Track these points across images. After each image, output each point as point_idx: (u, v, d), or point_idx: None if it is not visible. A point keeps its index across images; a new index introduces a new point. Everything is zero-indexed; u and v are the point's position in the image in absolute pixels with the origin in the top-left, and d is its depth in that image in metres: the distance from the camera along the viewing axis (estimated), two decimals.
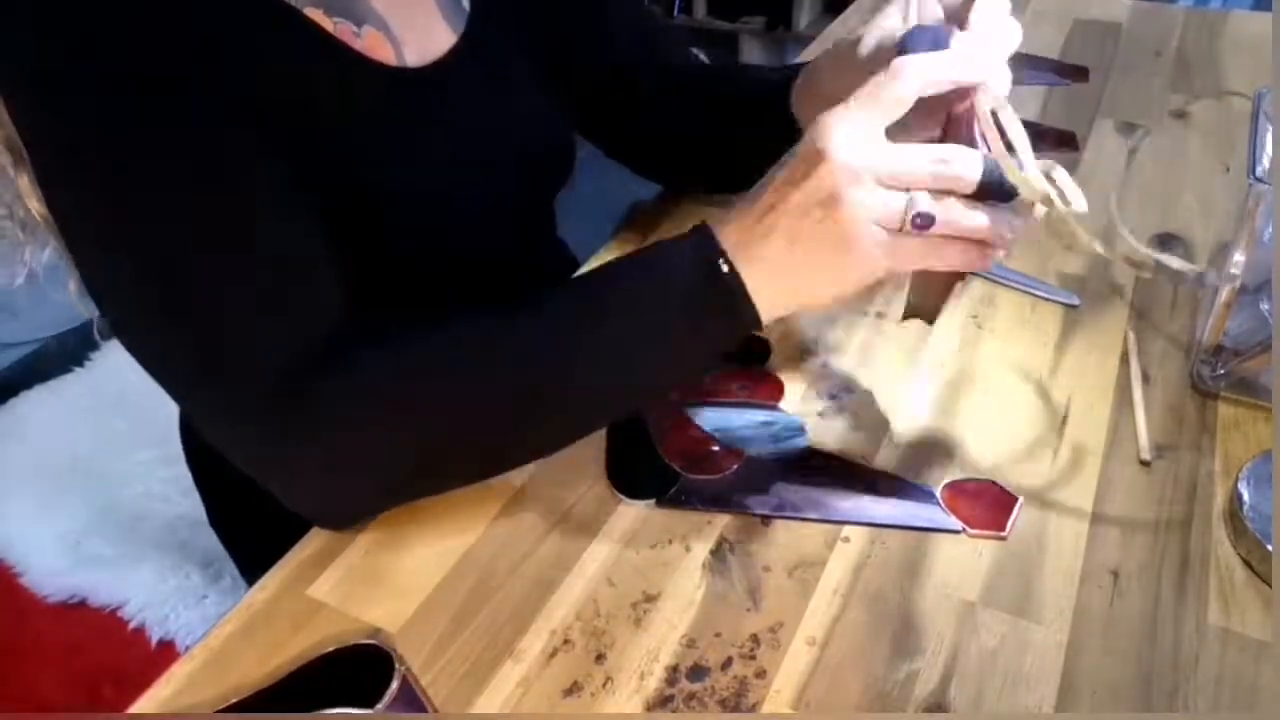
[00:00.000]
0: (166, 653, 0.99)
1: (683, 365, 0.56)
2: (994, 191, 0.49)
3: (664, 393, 0.59)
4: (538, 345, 0.54)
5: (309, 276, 0.55)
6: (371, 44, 0.61)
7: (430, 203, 0.66)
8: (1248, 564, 0.55)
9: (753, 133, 0.73)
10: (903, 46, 0.51)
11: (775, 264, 0.50)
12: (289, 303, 0.54)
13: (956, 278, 0.56)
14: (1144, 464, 0.62)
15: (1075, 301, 0.75)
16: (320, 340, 0.54)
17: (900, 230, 0.48)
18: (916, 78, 0.48)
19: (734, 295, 0.51)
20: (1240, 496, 0.57)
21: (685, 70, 0.82)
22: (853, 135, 0.48)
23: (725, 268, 0.51)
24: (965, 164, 0.48)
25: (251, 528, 0.70)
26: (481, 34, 0.68)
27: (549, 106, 0.76)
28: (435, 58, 0.65)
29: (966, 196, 0.49)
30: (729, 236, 0.51)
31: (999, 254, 0.50)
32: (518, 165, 0.72)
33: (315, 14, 0.59)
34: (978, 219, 0.49)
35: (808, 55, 1.22)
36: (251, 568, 0.83)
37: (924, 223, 0.48)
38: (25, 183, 0.55)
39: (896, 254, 0.49)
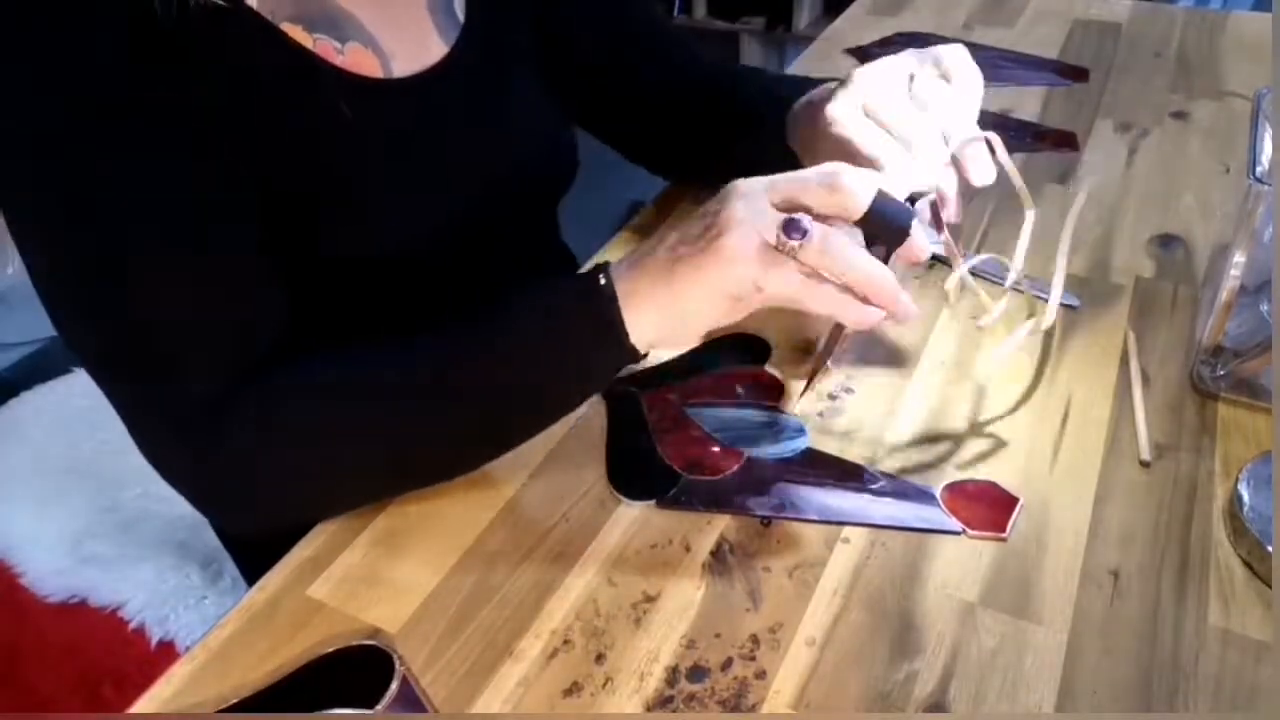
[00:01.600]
0: (166, 653, 0.99)
1: (559, 392, 0.56)
2: (884, 228, 0.49)
3: (549, 419, 0.59)
4: (431, 370, 0.55)
5: (247, 293, 0.56)
6: (355, 60, 0.61)
7: (418, 209, 0.65)
8: (1248, 564, 0.55)
9: (748, 146, 0.74)
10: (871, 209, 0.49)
11: (653, 283, 0.51)
12: (223, 317, 0.55)
13: (836, 332, 0.57)
14: (1144, 464, 0.62)
15: (1075, 302, 0.75)
16: (248, 358, 0.56)
17: (776, 244, 0.48)
18: (852, 198, 0.48)
19: (606, 314, 0.51)
20: (1240, 497, 0.57)
21: (688, 72, 0.82)
22: (755, 183, 0.50)
23: (602, 280, 0.52)
24: (854, 184, 0.48)
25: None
26: (475, 43, 0.68)
27: (548, 112, 0.76)
28: (426, 68, 0.65)
29: (864, 234, 0.49)
30: (619, 266, 0.53)
31: (875, 317, 0.50)
32: (514, 171, 0.72)
33: (294, 30, 0.58)
34: (855, 254, 0.48)
35: (808, 56, 1.22)
36: (253, 569, 0.83)
37: (798, 236, 0.48)
38: None
39: (770, 269, 0.48)
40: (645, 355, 0.53)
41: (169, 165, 0.53)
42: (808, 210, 0.49)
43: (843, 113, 0.59)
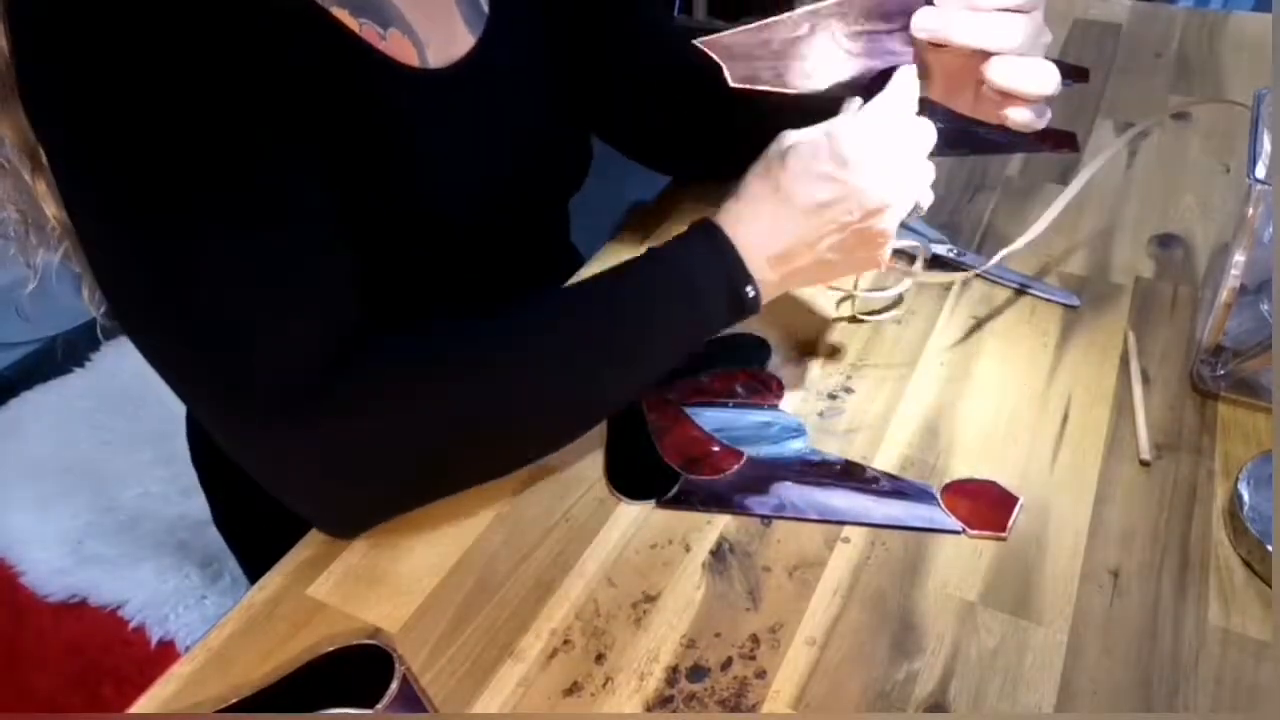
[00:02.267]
0: (167, 653, 0.99)
1: (678, 355, 0.61)
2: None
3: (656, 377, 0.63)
4: (539, 344, 0.56)
5: (318, 283, 0.55)
6: (396, 46, 0.62)
7: (454, 198, 0.66)
8: (1248, 564, 0.55)
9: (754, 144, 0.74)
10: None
11: (804, 281, 0.62)
12: (297, 310, 0.54)
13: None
14: (1143, 464, 0.62)
15: (1075, 302, 0.75)
16: (327, 347, 0.54)
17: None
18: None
19: (746, 310, 0.60)
20: (1240, 497, 0.57)
21: (689, 63, 0.82)
22: (895, 195, 0.57)
23: (750, 292, 0.59)
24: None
25: (257, 528, 0.70)
26: (499, 36, 0.69)
27: (567, 105, 0.76)
28: (456, 59, 0.66)
29: None
30: (762, 267, 0.59)
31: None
32: (538, 160, 0.73)
33: (341, 14, 0.59)
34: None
35: None
36: (256, 568, 0.83)
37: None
38: (43, 187, 0.55)
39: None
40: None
41: (249, 148, 0.52)
42: None
43: (934, 19, 0.57)
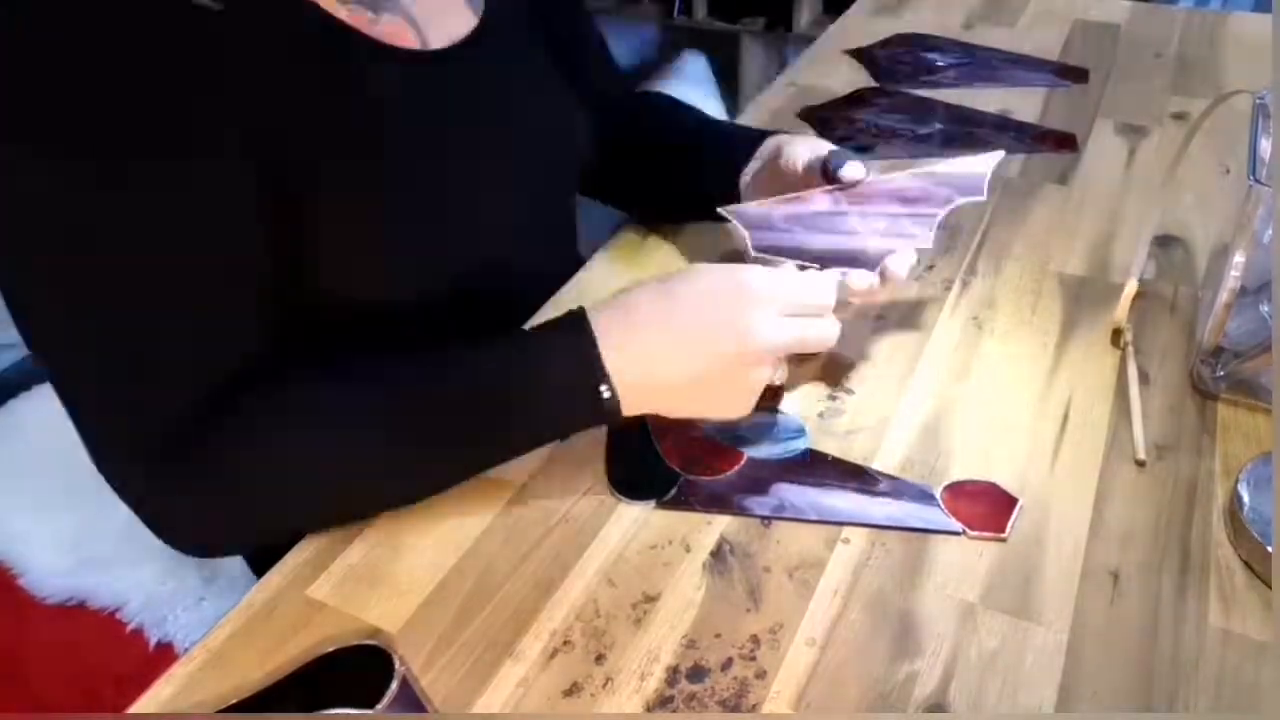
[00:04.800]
0: (166, 654, 0.98)
1: (532, 443, 0.60)
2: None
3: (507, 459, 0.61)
4: (411, 417, 0.56)
5: (209, 319, 0.55)
6: (390, 30, 0.62)
7: (457, 181, 0.65)
8: (1248, 565, 0.55)
9: (700, 196, 0.74)
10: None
11: (672, 409, 0.60)
12: (196, 342, 0.54)
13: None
14: (1139, 464, 0.62)
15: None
16: (203, 385, 0.54)
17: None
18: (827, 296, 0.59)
19: (606, 417, 0.57)
20: (1240, 497, 0.57)
21: (624, 99, 0.86)
22: (773, 338, 0.56)
23: (606, 394, 0.56)
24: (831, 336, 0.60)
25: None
26: (498, 19, 0.69)
27: (565, 87, 0.77)
28: (458, 39, 0.66)
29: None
30: (626, 381, 0.56)
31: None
32: (545, 139, 0.73)
33: (328, 2, 0.58)
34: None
35: (808, 56, 1.22)
36: (259, 568, 0.83)
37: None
38: None
39: (778, 365, 0.60)
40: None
41: (165, 173, 0.52)
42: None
43: (801, 153, 0.68)
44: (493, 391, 0.56)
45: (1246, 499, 0.57)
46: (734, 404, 0.59)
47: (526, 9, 0.74)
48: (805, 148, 0.68)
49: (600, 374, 0.55)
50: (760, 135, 0.75)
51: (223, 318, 0.55)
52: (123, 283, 0.52)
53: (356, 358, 0.57)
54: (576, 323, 0.56)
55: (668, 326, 0.56)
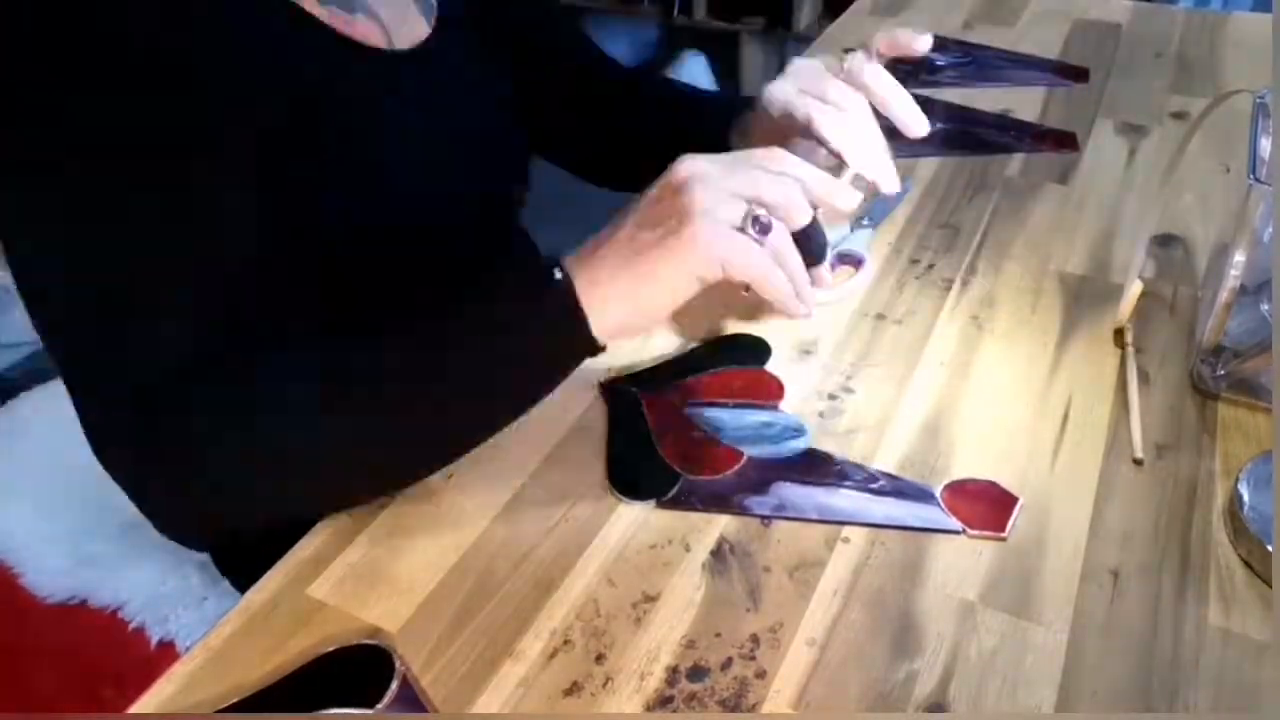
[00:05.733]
0: (166, 653, 0.99)
1: (517, 388, 0.57)
2: (805, 246, 0.55)
3: (506, 417, 0.58)
4: (385, 375, 0.55)
5: (200, 285, 0.55)
6: (363, 30, 0.66)
7: (418, 173, 0.69)
8: (1248, 564, 0.55)
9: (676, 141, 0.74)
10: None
11: (614, 273, 0.53)
12: (170, 309, 0.54)
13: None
14: (1137, 463, 0.62)
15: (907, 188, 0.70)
16: (188, 351, 0.54)
17: (740, 229, 0.52)
18: (799, 210, 0.54)
19: (567, 307, 0.52)
20: (1240, 497, 0.57)
21: (609, 76, 0.88)
22: (709, 168, 0.53)
23: (558, 274, 0.52)
24: (798, 206, 0.54)
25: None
26: (452, 26, 0.73)
27: (507, 95, 0.81)
28: (417, 43, 0.70)
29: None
30: (574, 258, 0.54)
31: (799, 312, 0.55)
32: (498, 139, 0.78)
33: (308, 2, 0.62)
34: (795, 254, 0.54)
35: (807, 57, 1.22)
36: (238, 572, 0.84)
37: (761, 230, 0.52)
38: None
39: (738, 253, 0.52)
40: (605, 348, 0.54)
41: (165, 145, 0.54)
42: (760, 202, 0.53)
43: (781, 91, 0.65)
44: (446, 323, 0.55)
45: (1246, 498, 0.57)
46: (682, 235, 0.51)
47: (475, 19, 0.77)
48: (780, 90, 0.66)
49: (546, 261, 0.53)
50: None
51: (200, 304, 0.56)
52: (115, 255, 0.53)
53: (319, 336, 0.57)
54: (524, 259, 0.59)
55: (613, 225, 0.54)
